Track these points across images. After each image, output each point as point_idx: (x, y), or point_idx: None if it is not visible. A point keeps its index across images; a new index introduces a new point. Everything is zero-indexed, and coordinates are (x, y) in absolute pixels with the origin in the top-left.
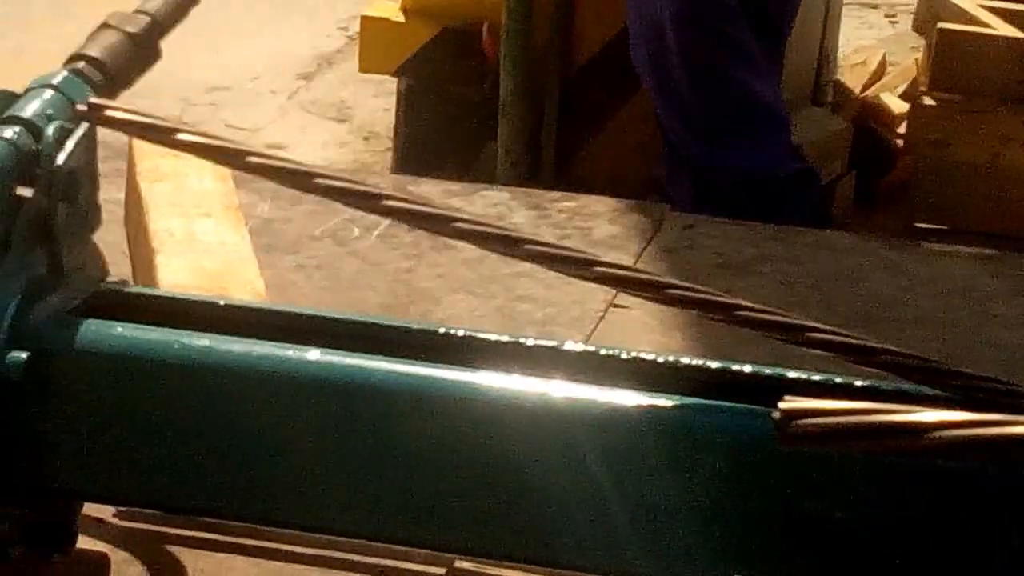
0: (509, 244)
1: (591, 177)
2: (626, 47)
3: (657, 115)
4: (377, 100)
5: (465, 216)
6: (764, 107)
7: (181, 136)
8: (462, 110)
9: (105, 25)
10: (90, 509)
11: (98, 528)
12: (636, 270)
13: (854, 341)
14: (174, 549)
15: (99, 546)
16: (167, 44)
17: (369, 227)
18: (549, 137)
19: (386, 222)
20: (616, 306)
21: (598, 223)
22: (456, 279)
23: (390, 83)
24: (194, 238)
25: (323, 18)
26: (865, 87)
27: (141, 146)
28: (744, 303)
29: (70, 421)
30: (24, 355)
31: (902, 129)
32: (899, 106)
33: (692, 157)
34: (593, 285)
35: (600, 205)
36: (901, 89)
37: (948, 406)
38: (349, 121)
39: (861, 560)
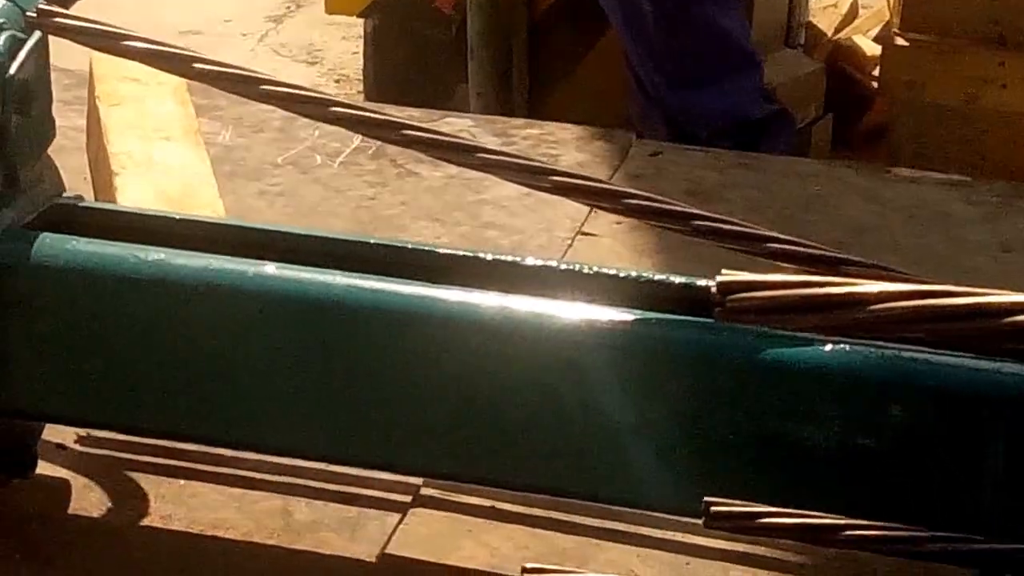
0: (465, 153)
1: (563, 120)
2: None
3: (626, 57)
4: (346, 43)
5: (419, 125)
6: (735, 47)
7: (131, 44)
8: (430, 51)
9: None
10: (51, 434)
11: (59, 453)
12: (594, 179)
13: (817, 251)
14: (135, 475)
15: (60, 472)
16: None
17: (332, 155)
18: (520, 79)
19: (349, 149)
20: (584, 233)
21: (564, 150)
22: (420, 206)
23: (358, 26)
24: (154, 161)
25: None
26: (837, 29)
27: (100, 70)
28: (702, 212)
29: (25, 338)
30: None
31: (876, 71)
32: (872, 48)
33: (663, 100)
34: (560, 213)
35: (566, 132)
36: (874, 32)
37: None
38: (320, 64)
39: (833, 484)
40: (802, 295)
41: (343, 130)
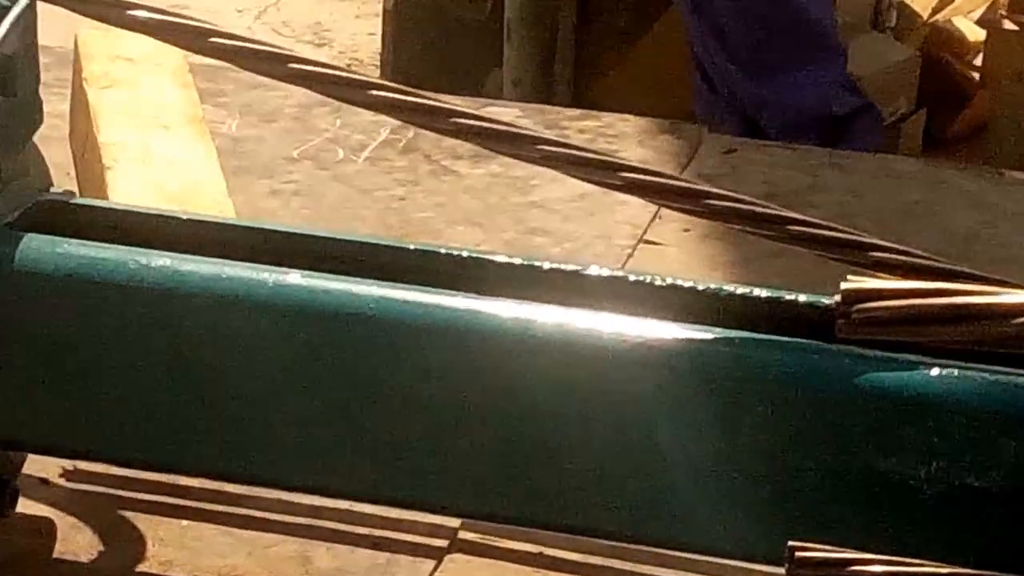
0: (525, 144)
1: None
2: None
3: (691, 42)
4: (360, 22)
5: (470, 112)
6: (816, 31)
7: (136, 13)
8: (461, 32)
9: None
10: (33, 466)
11: (42, 489)
12: (673, 176)
13: (931, 263)
14: (130, 515)
15: (43, 510)
16: None
17: (356, 149)
18: (563, 65)
19: (376, 143)
20: (647, 242)
21: (625, 145)
22: (458, 209)
23: (375, 2)
24: (151, 153)
25: None
26: (935, 10)
27: (88, 48)
28: (798, 216)
29: (6, 352)
30: None
31: (978, 60)
32: (974, 32)
33: (734, 92)
34: (619, 218)
35: (627, 125)
36: (978, 13)
37: None
38: (328, 46)
39: (953, 529)
40: (938, 304)
41: (367, 121)
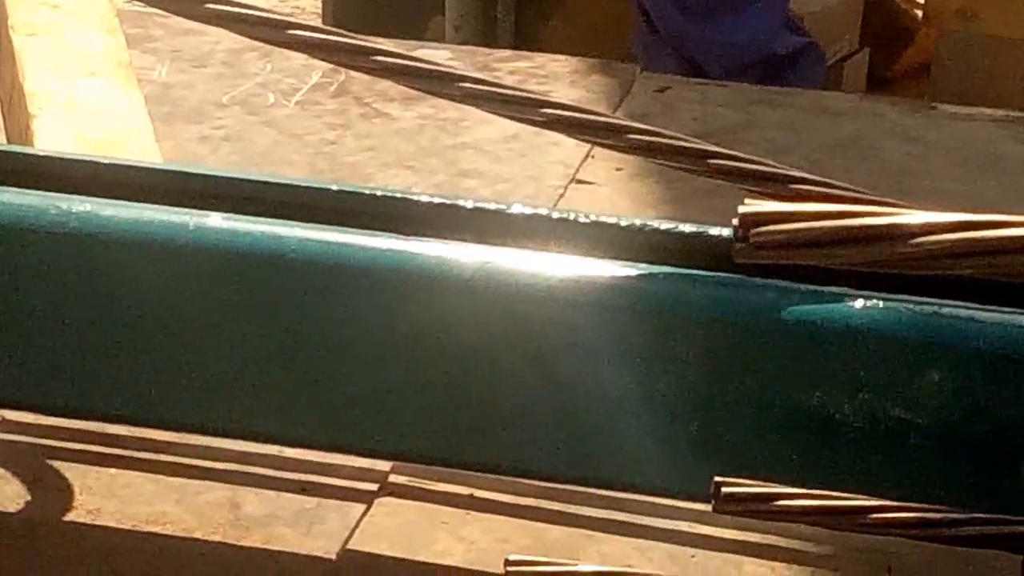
0: (448, 83)
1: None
2: None
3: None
4: None
5: (394, 51)
6: (768, 31)
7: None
8: None
9: None
10: None
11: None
12: (595, 112)
13: (854, 194)
14: (57, 464)
15: None
16: None
17: (287, 93)
18: (505, 10)
19: (307, 87)
20: (579, 181)
21: (557, 85)
22: (389, 152)
23: None
24: (77, 101)
25: None
26: None
27: None
28: (721, 150)
29: None
30: None
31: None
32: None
33: (675, 32)
34: (551, 158)
35: (559, 65)
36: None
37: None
38: None
39: (861, 461)
40: (840, 227)
41: (299, 66)
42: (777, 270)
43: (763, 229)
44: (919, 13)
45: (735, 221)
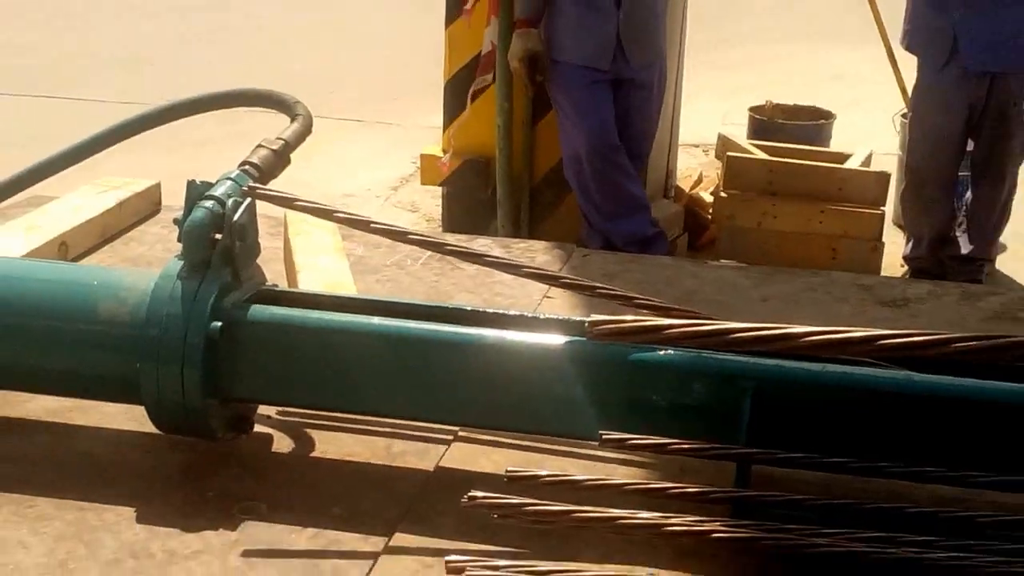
0: (476, 257)
1: (548, 239)
2: (562, 170)
3: (580, 205)
4: (434, 200)
5: (455, 244)
6: (637, 200)
7: (301, 203)
8: (477, 204)
9: (259, 145)
10: (262, 410)
11: (266, 420)
12: (547, 271)
13: (662, 304)
14: (308, 430)
15: (266, 429)
16: (318, 167)
17: (416, 259)
18: (525, 219)
19: (424, 256)
20: (548, 297)
21: (537, 254)
22: (463, 285)
23: (438, 191)
24: (318, 266)
25: (404, 156)
26: (691, 188)
27: (290, 218)
28: (606, 287)
29: (248, 360)
30: (219, 324)
31: (711, 211)
32: (710, 199)
33: (599, 227)
34: (536, 289)
35: (539, 245)
36: (711, 190)
37: None
38: (418, 212)
39: (669, 425)
40: (639, 326)
41: (422, 250)
42: None
43: (600, 328)
44: (710, 217)
45: (586, 324)
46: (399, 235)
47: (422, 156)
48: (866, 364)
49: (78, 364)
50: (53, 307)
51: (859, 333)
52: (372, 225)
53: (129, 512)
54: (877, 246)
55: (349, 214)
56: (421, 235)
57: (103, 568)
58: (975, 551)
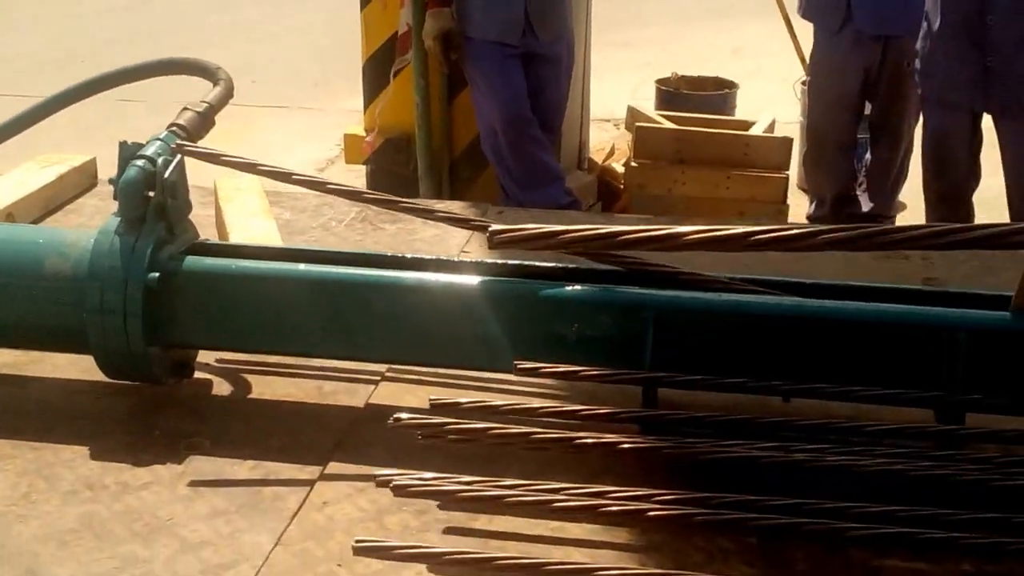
0: (393, 204)
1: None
2: (479, 144)
3: (498, 177)
4: (358, 179)
5: (380, 195)
6: (552, 170)
7: (226, 158)
8: (400, 181)
9: (184, 108)
10: (202, 356)
11: (206, 367)
12: (469, 218)
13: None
14: (245, 375)
15: (206, 375)
16: (245, 152)
17: (340, 220)
18: (447, 193)
19: (351, 215)
20: (464, 252)
21: (458, 210)
22: (385, 244)
23: (363, 170)
24: (248, 227)
25: (327, 138)
26: (604, 159)
27: (220, 184)
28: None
29: (186, 308)
30: (157, 275)
31: (623, 180)
32: (622, 169)
33: (516, 198)
34: (455, 240)
35: (456, 204)
36: (623, 161)
37: None
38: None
39: (576, 354)
40: (536, 232)
41: (347, 210)
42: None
43: (504, 235)
44: (622, 186)
45: (488, 231)
46: (319, 185)
47: (345, 136)
48: (757, 293)
49: (28, 318)
50: (2, 265)
51: (737, 230)
52: (294, 177)
53: (83, 451)
54: (782, 208)
55: (272, 167)
56: (339, 185)
57: (63, 498)
58: (862, 456)
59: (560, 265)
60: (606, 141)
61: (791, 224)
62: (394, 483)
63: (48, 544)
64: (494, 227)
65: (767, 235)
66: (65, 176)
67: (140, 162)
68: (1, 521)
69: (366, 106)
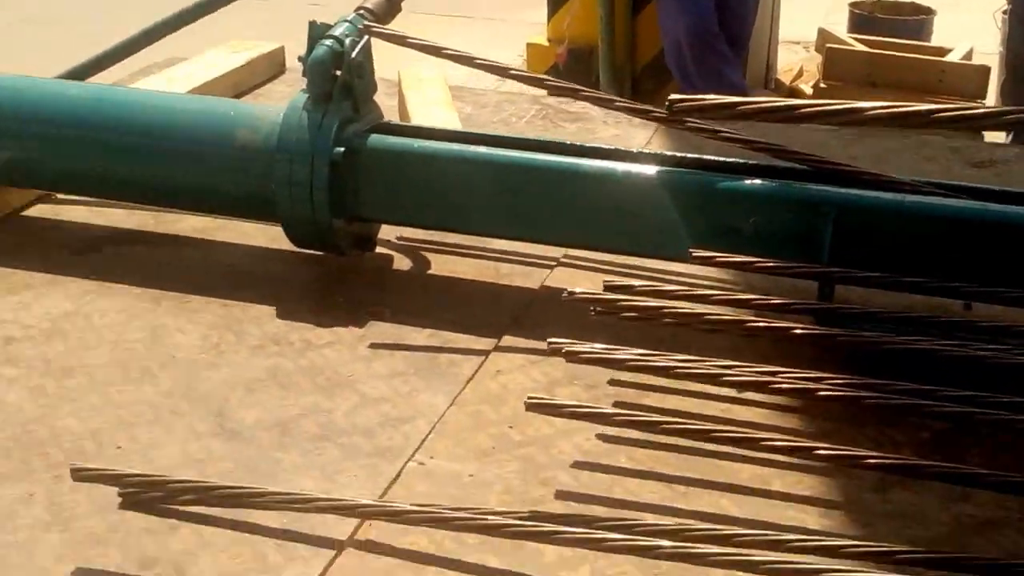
0: (574, 92)
1: None
2: (663, 58)
3: (681, 91)
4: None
5: (561, 83)
6: (737, 87)
7: (410, 40)
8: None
9: None
10: (385, 232)
11: (387, 244)
12: (654, 109)
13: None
14: (425, 253)
15: (387, 251)
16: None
17: (522, 117)
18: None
19: (528, 115)
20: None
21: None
22: (564, 136)
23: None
24: (430, 115)
25: (510, 48)
26: (792, 80)
27: (404, 75)
28: (721, 129)
29: (368, 183)
30: (342, 150)
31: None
32: (810, 91)
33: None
34: (633, 139)
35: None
36: (811, 83)
37: None
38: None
39: (749, 246)
40: (717, 102)
41: (527, 107)
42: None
43: (684, 104)
44: None
45: (667, 101)
46: (501, 71)
47: (528, 45)
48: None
49: (219, 184)
50: (197, 134)
51: (920, 106)
52: (476, 61)
53: (269, 310)
54: (975, 140)
55: (455, 51)
56: (521, 71)
57: (250, 350)
58: None
59: (741, 160)
60: (795, 63)
61: (975, 103)
62: (566, 349)
63: (236, 390)
64: (673, 96)
65: (950, 112)
66: (254, 61)
67: (328, 41)
68: (192, 367)
69: (549, 17)
